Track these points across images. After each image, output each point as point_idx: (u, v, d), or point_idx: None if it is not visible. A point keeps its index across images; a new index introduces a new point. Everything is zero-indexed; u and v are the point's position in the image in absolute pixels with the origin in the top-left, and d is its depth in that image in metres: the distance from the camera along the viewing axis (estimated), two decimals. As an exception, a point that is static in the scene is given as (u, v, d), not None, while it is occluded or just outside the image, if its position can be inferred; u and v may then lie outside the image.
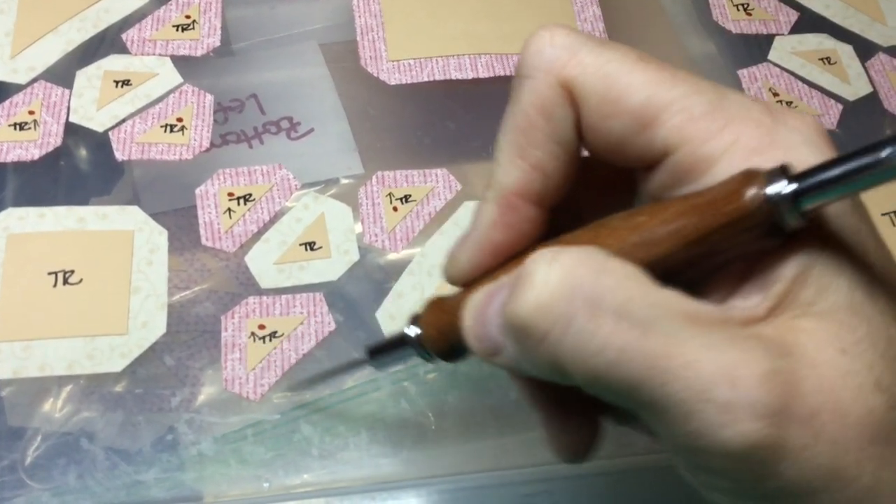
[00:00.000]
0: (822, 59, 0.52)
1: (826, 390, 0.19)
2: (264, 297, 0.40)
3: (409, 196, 0.44)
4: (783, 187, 0.19)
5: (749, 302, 0.21)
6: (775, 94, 0.50)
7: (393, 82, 0.48)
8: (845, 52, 0.52)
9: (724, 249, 0.21)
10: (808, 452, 0.19)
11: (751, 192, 0.20)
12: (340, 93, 0.48)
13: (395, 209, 0.43)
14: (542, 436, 0.27)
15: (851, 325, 0.20)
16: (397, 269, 0.42)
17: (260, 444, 0.37)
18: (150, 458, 0.36)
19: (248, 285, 0.41)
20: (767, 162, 0.20)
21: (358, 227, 0.43)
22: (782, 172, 0.20)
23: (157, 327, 0.39)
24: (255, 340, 0.39)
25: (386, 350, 0.30)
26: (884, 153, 0.18)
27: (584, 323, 0.19)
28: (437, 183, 0.45)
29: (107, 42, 0.48)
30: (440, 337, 0.27)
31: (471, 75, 0.48)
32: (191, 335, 0.39)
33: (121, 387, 0.38)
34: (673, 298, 0.20)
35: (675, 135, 0.22)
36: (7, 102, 0.45)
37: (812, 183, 0.19)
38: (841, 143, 0.49)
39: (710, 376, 0.18)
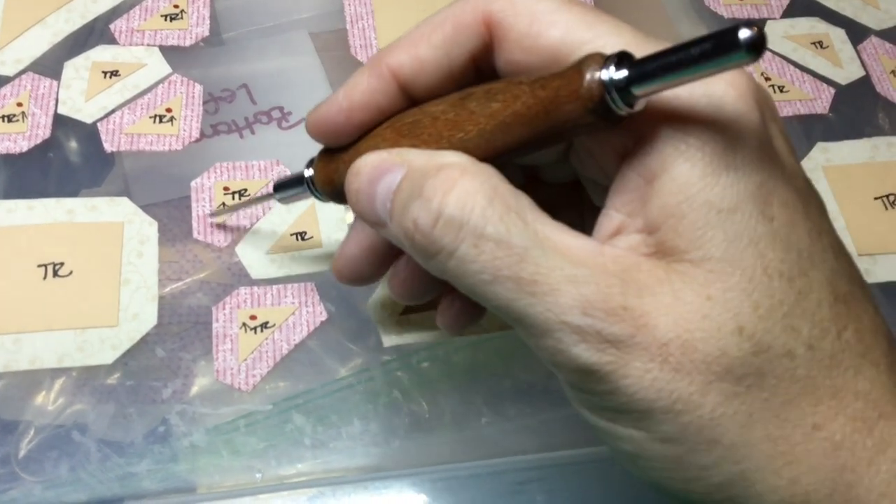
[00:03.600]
0: (814, 44, 0.52)
1: (678, 328, 0.21)
2: (255, 288, 0.40)
3: (401, 185, 0.44)
4: (613, 73, 0.21)
5: (628, 241, 0.23)
6: (767, 79, 0.50)
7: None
8: (837, 35, 0.52)
9: (573, 130, 0.23)
10: (650, 376, 0.21)
11: (587, 80, 0.22)
12: (331, 82, 0.48)
13: (386, 198, 0.43)
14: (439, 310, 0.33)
15: (723, 273, 0.22)
16: (389, 258, 0.42)
17: (252, 435, 0.37)
18: (143, 450, 0.36)
19: (240, 276, 0.41)
20: None
21: (349, 217, 0.43)
22: (620, 59, 0.21)
23: (147, 319, 0.39)
24: (246, 331, 0.39)
25: (287, 186, 0.34)
26: (694, 50, 0.20)
27: (468, 248, 0.23)
28: (428, 171, 0.44)
29: (95, 33, 0.48)
30: (327, 182, 0.30)
31: (461, 63, 0.48)
32: (183, 327, 0.39)
33: (113, 379, 0.38)
34: (551, 231, 0.23)
35: None
36: (-5, 94, 0.45)
37: (643, 70, 0.21)
38: (833, 127, 0.48)
39: (568, 304, 0.22)
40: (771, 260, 0.22)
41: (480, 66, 0.27)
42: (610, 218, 0.24)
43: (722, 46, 0.19)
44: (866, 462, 0.22)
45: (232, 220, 0.42)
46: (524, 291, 0.22)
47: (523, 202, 0.23)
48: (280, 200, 0.35)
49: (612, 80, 0.21)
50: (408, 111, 0.27)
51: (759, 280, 0.22)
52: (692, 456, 0.22)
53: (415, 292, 0.32)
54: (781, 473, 0.22)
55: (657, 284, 0.22)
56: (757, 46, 0.18)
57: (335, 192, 0.30)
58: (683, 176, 0.22)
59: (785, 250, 0.22)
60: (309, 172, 0.31)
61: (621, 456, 0.24)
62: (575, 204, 0.27)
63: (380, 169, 0.25)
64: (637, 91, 0.21)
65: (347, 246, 0.32)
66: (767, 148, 0.23)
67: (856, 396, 0.22)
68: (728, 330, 0.21)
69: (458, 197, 0.23)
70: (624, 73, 0.21)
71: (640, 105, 0.22)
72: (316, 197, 0.32)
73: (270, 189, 0.35)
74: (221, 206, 0.42)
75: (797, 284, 0.22)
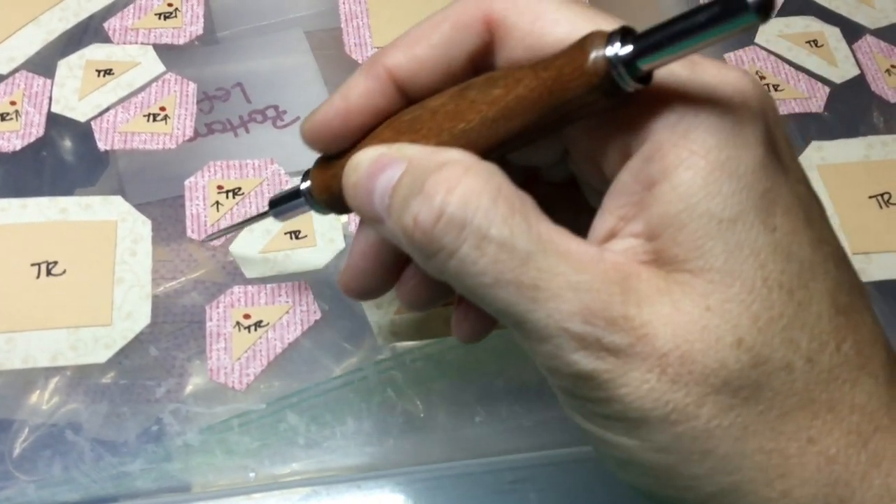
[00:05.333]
0: (809, 42, 0.52)
1: (678, 338, 0.21)
2: (249, 287, 0.40)
3: (395, 183, 0.43)
4: (618, 49, 0.21)
5: (625, 245, 0.23)
6: (762, 78, 0.50)
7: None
8: (832, 34, 0.52)
9: (578, 111, 0.23)
10: (648, 386, 0.21)
11: (592, 57, 0.21)
12: (326, 80, 0.48)
13: (380, 197, 0.43)
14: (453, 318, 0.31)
15: (723, 284, 0.21)
16: (383, 257, 0.42)
17: (246, 434, 0.37)
18: (136, 450, 0.36)
19: (234, 275, 0.41)
20: None
21: (343, 216, 0.43)
22: (622, 35, 0.21)
23: (141, 318, 0.39)
24: (240, 330, 0.39)
25: (283, 201, 0.33)
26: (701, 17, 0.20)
27: (470, 250, 0.22)
28: (422, 170, 0.44)
29: (89, 31, 0.48)
30: (324, 190, 0.30)
31: (456, 61, 0.48)
32: (177, 325, 0.39)
33: (106, 378, 0.38)
34: (554, 235, 0.22)
35: None
36: (-12, 93, 0.45)
37: (648, 43, 0.21)
38: (828, 126, 0.48)
39: (569, 311, 0.21)
40: (771, 271, 0.22)
41: (479, 67, 0.26)
42: (605, 220, 0.23)
43: (729, 10, 0.19)
44: (860, 476, 0.22)
45: (225, 219, 0.42)
46: (525, 296, 0.22)
47: (528, 204, 0.23)
48: (277, 217, 0.34)
49: (617, 56, 0.21)
50: (406, 109, 0.27)
51: (758, 292, 0.21)
52: (685, 465, 0.22)
53: (424, 300, 0.31)
54: (774, 486, 0.22)
55: (657, 294, 0.22)
56: (765, 7, 0.18)
57: (333, 199, 0.29)
58: (685, 184, 0.21)
59: (786, 261, 0.22)
60: (305, 185, 0.31)
61: (612, 462, 0.24)
62: (571, 203, 0.27)
63: (379, 163, 0.25)
64: (644, 65, 0.21)
65: (352, 258, 0.30)
66: (772, 155, 0.22)
67: (852, 410, 0.22)
68: (727, 342, 0.21)
69: (461, 195, 0.22)
70: (629, 47, 0.21)
71: (635, 86, 0.22)
72: (314, 209, 0.31)
73: (266, 207, 0.34)
74: (216, 231, 0.41)
75: (797, 296, 0.22)
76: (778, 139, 0.23)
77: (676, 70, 0.23)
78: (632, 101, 0.22)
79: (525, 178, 0.30)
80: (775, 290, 0.22)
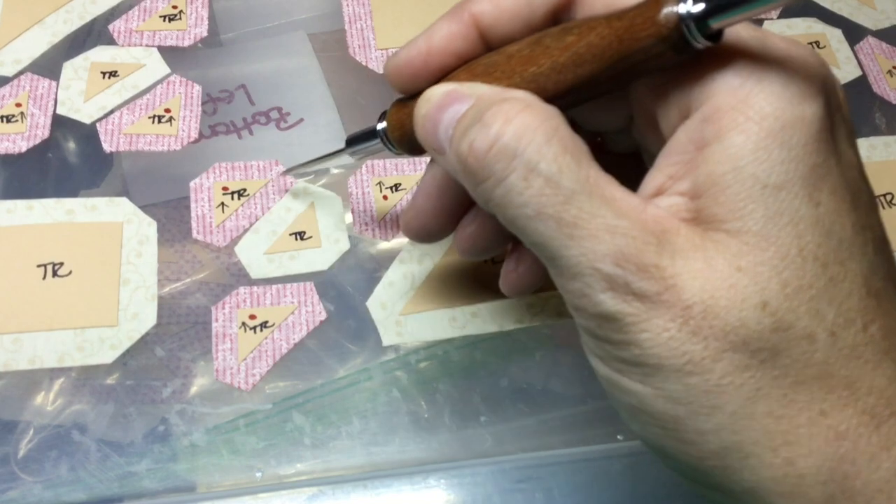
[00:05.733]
0: (811, 44, 0.52)
1: (704, 293, 0.22)
2: (255, 287, 0.40)
3: (399, 185, 0.44)
4: (690, 6, 0.22)
5: (670, 202, 0.23)
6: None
7: (382, 71, 0.48)
8: (834, 36, 0.52)
9: (645, 63, 0.23)
10: (668, 334, 0.22)
11: (664, 11, 0.22)
12: (329, 82, 0.48)
13: (385, 198, 0.43)
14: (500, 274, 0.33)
15: (757, 247, 0.22)
16: (388, 258, 0.42)
17: (252, 434, 0.37)
18: (142, 450, 0.36)
19: (239, 276, 0.41)
20: None
21: (348, 217, 0.43)
22: None
23: (147, 319, 0.39)
24: (245, 330, 0.39)
25: (360, 140, 0.35)
26: None
27: (517, 180, 0.23)
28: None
29: (94, 33, 0.48)
30: (398, 129, 0.31)
31: (460, 63, 0.48)
32: (182, 326, 0.39)
33: (112, 379, 0.38)
34: (601, 180, 0.23)
35: None
36: (-6, 95, 0.45)
37: (720, 2, 0.21)
38: (830, 127, 0.49)
39: (603, 251, 0.22)
40: (808, 243, 0.22)
41: (559, 21, 0.27)
42: (655, 177, 0.24)
43: None
44: (868, 457, 0.22)
45: (231, 220, 0.42)
46: (563, 232, 0.23)
47: (581, 148, 0.24)
48: (352, 155, 0.36)
49: (689, 13, 0.22)
50: (485, 55, 0.28)
51: (792, 259, 0.22)
52: (692, 418, 0.22)
53: (480, 248, 0.33)
54: (779, 452, 0.22)
55: (691, 250, 0.22)
56: None
57: (406, 138, 0.31)
58: (735, 147, 0.22)
59: (825, 236, 0.22)
60: (381, 125, 0.32)
61: (624, 410, 0.25)
62: (632, 173, 0.28)
63: (450, 97, 0.26)
64: (714, 23, 0.22)
65: (417, 198, 0.32)
66: (826, 134, 0.23)
67: (870, 391, 0.22)
68: (752, 303, 0.22)
69: (517, 127, 0.23)
70: (701, 5, 0.22)
71: (705, 44, 0.22)
72: (387, 147, 0.33)
73: (342, 144, 0.36)
74: (294, 167, 0.42)
75: (830, 271, 0.22)
76: (837, 122, 0.23)
77: (745, 36, 0.23)
78: (698, 60, 0.23)
79: (590, 146, 0.32)
80: (809, 261, 0.22)
